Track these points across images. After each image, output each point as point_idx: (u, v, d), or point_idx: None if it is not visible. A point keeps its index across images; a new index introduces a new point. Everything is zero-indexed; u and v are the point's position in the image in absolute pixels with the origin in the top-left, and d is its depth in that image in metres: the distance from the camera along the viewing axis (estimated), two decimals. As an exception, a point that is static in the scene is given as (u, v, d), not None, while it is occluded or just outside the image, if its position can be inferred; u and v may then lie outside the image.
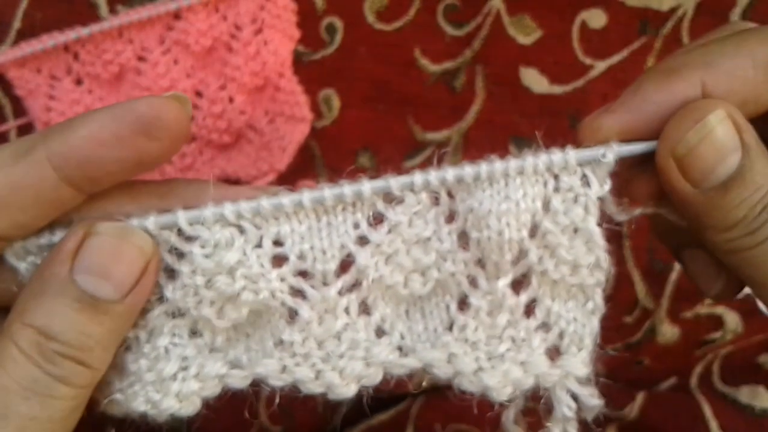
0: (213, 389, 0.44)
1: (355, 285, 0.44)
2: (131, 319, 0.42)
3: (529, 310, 0.44)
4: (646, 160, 0.43)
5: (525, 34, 0.81)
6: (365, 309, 0.44)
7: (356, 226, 0.43)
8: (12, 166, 0.39)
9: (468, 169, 0.42)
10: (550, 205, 0.42)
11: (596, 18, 0.81)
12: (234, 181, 0.81)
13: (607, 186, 0.42)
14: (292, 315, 0.43)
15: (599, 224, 0.43)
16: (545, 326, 0.44)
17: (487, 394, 0.44)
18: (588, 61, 0.81)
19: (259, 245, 0.43)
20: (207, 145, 0.81)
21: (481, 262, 0.44)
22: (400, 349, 0.45)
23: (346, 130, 0.81)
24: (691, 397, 0.77)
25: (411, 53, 0.81)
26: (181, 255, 0.42)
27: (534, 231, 0.43)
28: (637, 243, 0.79)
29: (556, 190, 0.42)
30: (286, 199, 0.42)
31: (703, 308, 0.80)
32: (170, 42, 0.79)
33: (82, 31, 0.76)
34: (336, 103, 0.81)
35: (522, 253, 0.43)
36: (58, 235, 0.41)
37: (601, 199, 0.42)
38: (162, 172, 0.80)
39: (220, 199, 0.42)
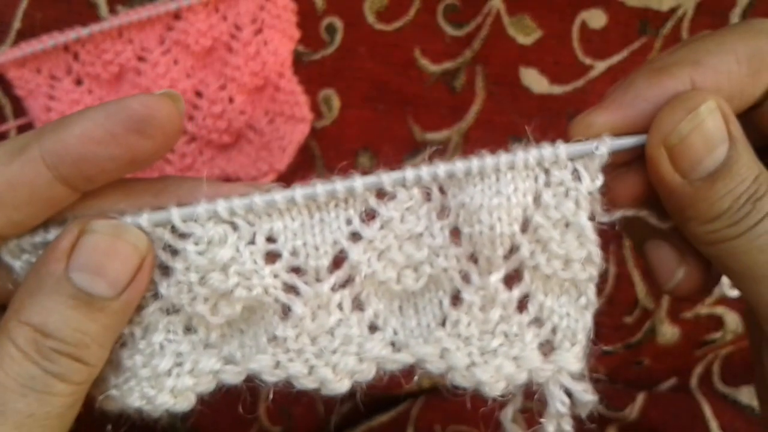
0: (207, 385, 0.44)
1: (348, 281, 0.44)
2: (127, 315, 0.42)
3: (521, 305, 0.44)
4: (629, 161, 0.44)
5: (525, 34, 0.81)
6: (358, 305, 0.44)
7: (349, 222, 0.43)
8: (6, 164, 0.39)
9: (459, 165, 0.42)
10: (541, 199, 0.42)
11: (596, 18, 0.81)
12: (233, 181, 0.81)
13: (599, 181, 0.42)
14: (286, 311, 0.44)
15: (591, 219, 0.43)
16: (538, 321, 0.44)
17: (480, 389, 0.44)
18: (588, 61, 0.81)
19: (252, 242, 0.43)
20: (207, 145, 0.81)
21: (473, 257, 0.44)
22: (393, 344, 0.45)
23: (346, 130, 0.81)
24: (691, 398, 0.77)
25: (411, 53, 0.81)
26: (175, 252, 0.42)
27: (526, 226, 0.43)
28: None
29: (547, 184, 0.42)
30: (279, 195, 0.42)
31: (704, 308, 0.80)
32: (170, 42, 0.79)
33: (82, 31, 0.76)
34: (336, 103, 0.81)
35: (514, 248, 0.43)
36: (52, 233, 0.42)
37: (592, 194, 0.42)
38: (162, 172, 0.80)
39: (214, 196, 0.42)
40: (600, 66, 0.81)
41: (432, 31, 0.81)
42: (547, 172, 0.42)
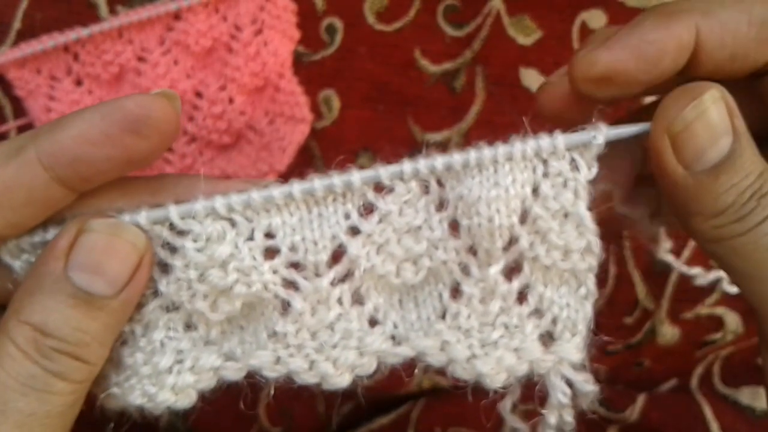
0: (208, 382, 0.44)
1: (348, 275, 0.44)
2: (126, 314, 0.42)
3: (521, 296, 0.44)
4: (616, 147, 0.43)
5: (525, 34, 0.81)
6: (358, 299, 0.44)
7: (347, 216, 0.43)
8: (2, 166, 0.39)
9: (457, 157, 0.42)
10: (539, 190, 0.42)
11: (596, 18, 0.81)
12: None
13: (595, 169, 0.42)
14: (285, 307, 0.43)
15: (589, 208, 0.42)
16: (538, 312, 0.44)
17: (481, 381, 0.44)
18: (588, 61, 0.81)
19: (250, 238, 0.43)
20: (207, 145, 0.81)
21: (472, 250, 0.44)
22: (393, 338, 0.45)
23: (346, 131, 0.81)
24: (691, 399, 0.77)
25: (411, 54, 0.81)
26: (173, 249, 0.42)
27: (524, 217, 0.43)
28: (637, 244, 0.79)
29: (545, 175, 0.42)
30: (277, 191, 0.42)
31: (704, 309, 0.80)
32: (170, 42, 0.79)
33: (82, 32, 0.76)
34: (336, 103, 0.81)
35: (513, 240, 0.43)
36: (51, 233, 0.42)
37: (590, 183, 0.42)
38: (161, 172, 0.80)
39: (211, 193, 0.42)
40: (600, 66, 0.81)
41: (432, 31, 0.81)
42: (545, 162, 0.42)
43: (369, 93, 0.81)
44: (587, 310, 0.44)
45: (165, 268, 0.43)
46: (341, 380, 0.43)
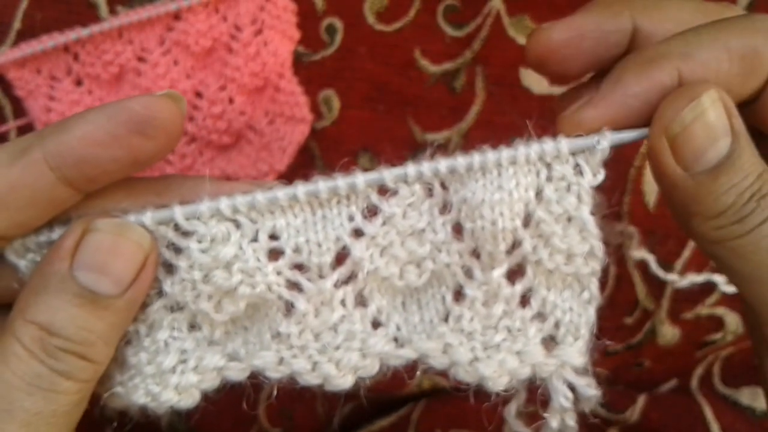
0: (211, 382, 0.44)
1: (351, 277, 0.44)
2: (132, 313, 0.42)
3: (524, 300, 0.44)
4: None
5: (525, 34, 0.81)
6: (361, 301, 0.44)
7: (351, 218, 0.43)
8: (8, 167, 0.39)
9: (461, 160, 0.42)
10: (543, 194, 0.42)
11: (596, 19, 0.81)
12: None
13: (601, 176, 0.42)
14: (289, 308, 0.44)
15: (593, 213, 0.43)
16: (541, 316, 0.44)
17: (483, 384, 0.44)
18: (588, 62, 0.81)
19: (255, 239, 0.43)
20: (207, 146, 0.81)
21: (475, 252, 0.44)
22: (396, 340, 0.45)
23: (346, 131, 0.81)
24: (692, 399, 0.77)
25: (411, 54, 0.81)
26: (178, 250, 0.43)
27: (528, 220, 0.43)
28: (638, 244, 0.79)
29: (549, 179, 0.42)
30: (281, 192, 0.42)
31: (704, 309, 0.80)
32: (170, 43, 0.79)
33: (82, 32, 0.76)
34: (336, 103, 0.81)
35: (516, 243, 0.43)
36: (56, 233, 0.42)
37: (594, 189, 0.42)
38: (162, 173, 0.80)
39: (216, 194, 0.42)
40: (600, 67, 0.81)
41: (432, 31, 0.81)
42: (548, 166, 0.42)
43: (369, 93, 0.81)
44: (590, 314, 0.44)
45: (170, 268, 0.43)
46: (344, 381, 0.44)
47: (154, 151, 0.40)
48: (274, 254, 0.43)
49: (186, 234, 0.42)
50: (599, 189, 0.43)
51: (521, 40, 0.81)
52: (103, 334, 0.40)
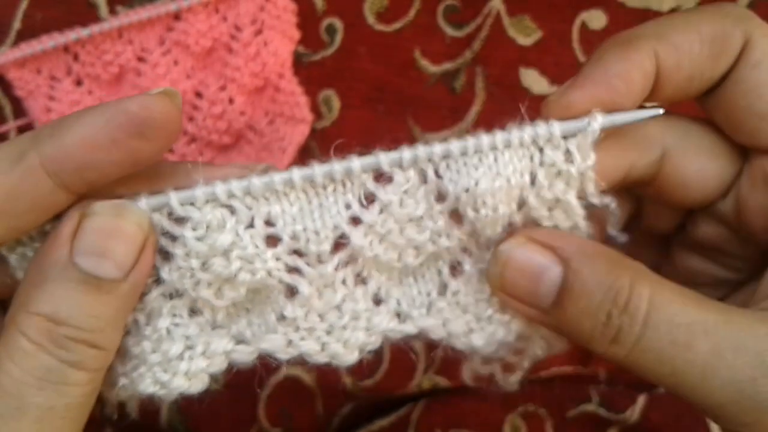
0: (220, 365, 0.44)
1: (350, 261, 0.44)
2: (136, 296, 0.41)
3: None
4: None
5: (525, 35, 0.81)
6: (361, 279, 0.44)
7: (348, 206, 0.43)
8: (6, 173, 0.38)
9: (455, 143, 0.42)
10: (536, 179, 0.42)
11: (596, 19, 0.81)
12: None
13: (591, 160, 0.42)
14: (291, 290, 0.43)
15: (579, 197, 0.43)
16: None
17: (473, 351, 0.45)
18: (588, 62, 0.81)
19: (251, 225, 0.42)
20: (207, 146, 0.81)
21: (474, 235, 0.44)
22: (398, 315, 0.45)
23: (346, 131, 0.81)
24: (692, 399, 0.77)
25: (411, 54, 0.81)
26: (173, 238, 0.42)
27: (521, 203, 0.43)
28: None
29: (541, 164, 0.42)
30: (278, 176, 0.42)
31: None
32: (170, 43, 0.79)
33: (82, 32, 0.76)
34: (336, 103, 0.81)
35: (512, 225, 0.43)
36: (48, 226, 0.41)
37: (583, 174, 0.42)
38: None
39: (209, 179, 0.42)
40: (600, 67, 0.81)
41: (432, 31, 0.81)
42: (541, 151, 0.42)
43: (369, 93, 0.81)
44: None
45: (166, 255, 0.42)
46: (351, 358, 0.44)
47: (153, 150, 0.39)
48: (272, 240, 0.43)
49: (180, 221, 0.41)
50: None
51: (521, 40, 0.81)
52: (110, 320, 0.39)
